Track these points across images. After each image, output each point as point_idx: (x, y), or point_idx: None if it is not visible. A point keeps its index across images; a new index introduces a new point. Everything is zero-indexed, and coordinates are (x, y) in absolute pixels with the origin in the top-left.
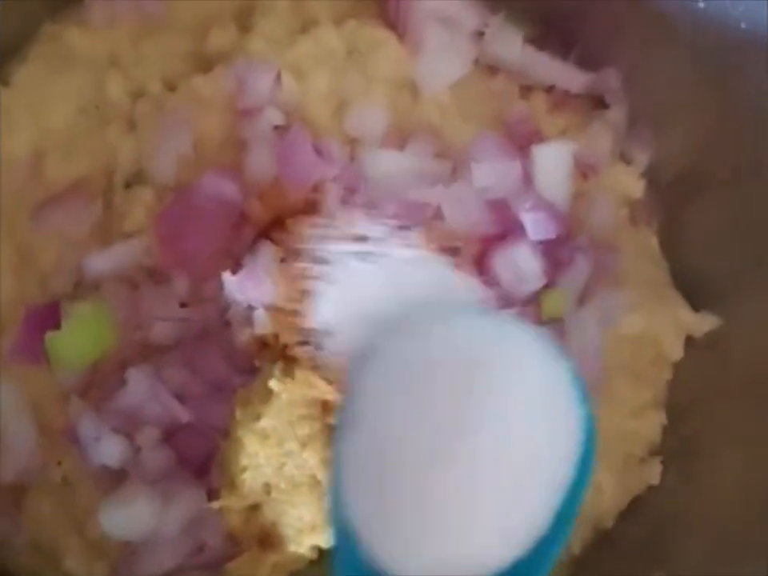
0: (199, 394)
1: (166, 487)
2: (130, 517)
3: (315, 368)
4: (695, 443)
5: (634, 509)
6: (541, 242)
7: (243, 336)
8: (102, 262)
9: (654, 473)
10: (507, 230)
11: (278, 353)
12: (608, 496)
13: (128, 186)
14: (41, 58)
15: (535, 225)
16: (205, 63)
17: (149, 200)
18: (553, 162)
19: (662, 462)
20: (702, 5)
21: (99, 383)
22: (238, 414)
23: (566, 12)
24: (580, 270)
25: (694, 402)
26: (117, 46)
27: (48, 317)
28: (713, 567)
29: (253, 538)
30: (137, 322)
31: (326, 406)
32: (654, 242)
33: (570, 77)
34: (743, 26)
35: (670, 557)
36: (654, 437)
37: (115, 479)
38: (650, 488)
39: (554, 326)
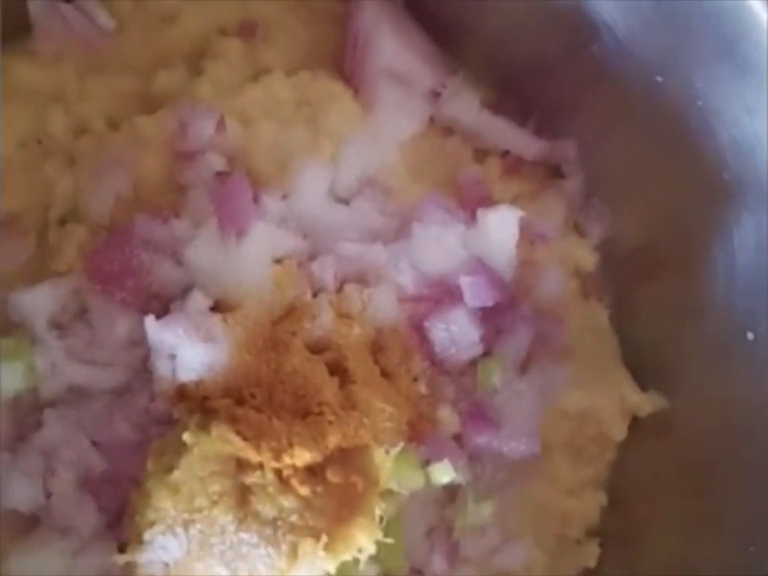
0: (117, 442)
1: (76, 537)
2: (37, 565)
3: (233, 423)
4: (635, 526)
5: None
6: (481, 309)
7: (163, 385)
8: (28, 298)
9: (591, 555)
10: (444, 294)
11: (197, 404)
12: (540, 575)
13: (62, 222)
14: None
15: (473, 290)
16: (151, 104)
17: (82, 238)
18: (498, 227)
19: (600, 545)
20: (659, 79)
21: (15, 424)
22: (150, 465)
23: (526, 79)
24: (520, 339)
25: (636, 483)
26: (63, 80)
27: None
28: None
29: None
30: (60, 363)
31: (240, 464)
32: (604, 316)
33: (524, 143)
34: (699, 103)
35: None
36: (593, 518)
37: (26, 525)
38: (588, 571)
39: (490, 396)
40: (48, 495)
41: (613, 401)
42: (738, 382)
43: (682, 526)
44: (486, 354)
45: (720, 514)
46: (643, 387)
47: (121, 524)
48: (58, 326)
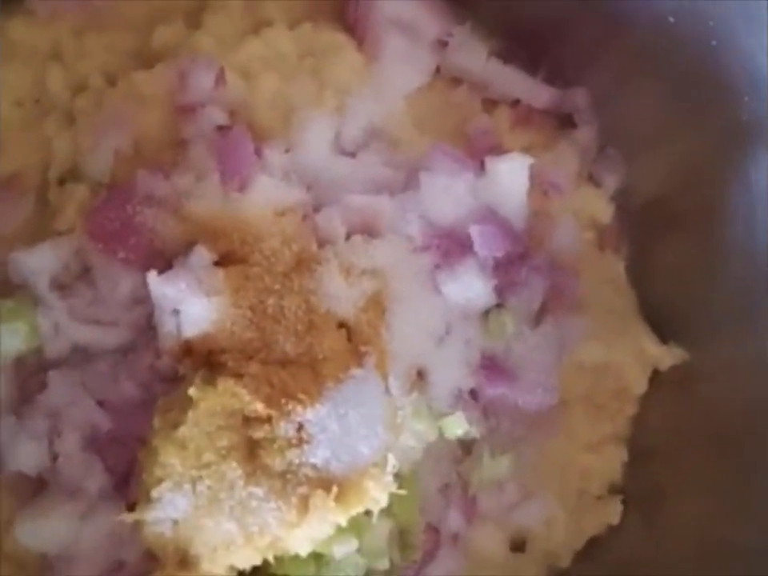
0: (123, 401)
1: (84, 498)
2: (46, 528)
3: (239, 377)
4: (658, 484)
5: (593, 551)
6: (493, 260)
7: (168, 341)
8: (30, 259)
9: (613, 512)
10: (454, 244)
11: (202, 359)
12: (561, 532)
13: (62, 182)
14: None
15: (483, 239)
16: (149, 60)
17: (82, 197)
18: (508, 175)
19: (624, 503)
20: (672, 20)
21: (19, 386)
22: (156, 422)
23: (536, 28)
24: (533, 291)
25: (658, 440)
26: (60, 39)
27: None
28: None
29: (169, 555)
30: (63, 323)
31: (247, 418)
32: (620, 268)
33: (535, 92)
34: (713, 43)
35: None
36: (614, 474)
37: (33, 488)
38: (611, 529)
39: (503, 349)
40: (54, 457)
41: (632, 353)
42: (761, 332)
43: (704, 484)
44: (499, 305)
45: (743, 472)
46: (663, 340)
47: (129, 484)
48: (60, 286)
